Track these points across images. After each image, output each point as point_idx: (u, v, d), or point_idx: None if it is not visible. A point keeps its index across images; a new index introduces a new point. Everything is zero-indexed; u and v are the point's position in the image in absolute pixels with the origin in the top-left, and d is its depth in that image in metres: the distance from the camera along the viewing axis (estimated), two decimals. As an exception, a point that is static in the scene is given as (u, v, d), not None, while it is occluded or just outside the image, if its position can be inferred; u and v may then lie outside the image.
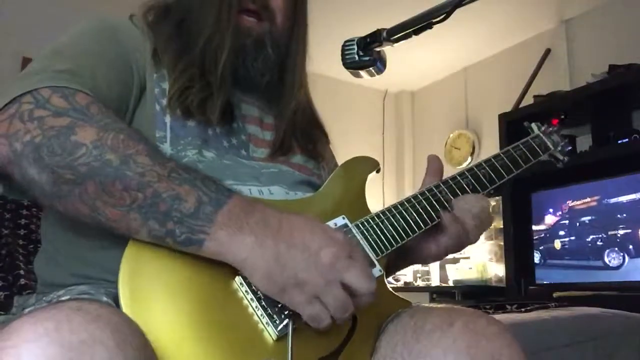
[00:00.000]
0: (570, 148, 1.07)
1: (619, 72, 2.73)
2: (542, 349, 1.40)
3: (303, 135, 0.90)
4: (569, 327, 1.54)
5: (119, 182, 0.59)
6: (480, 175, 0.90)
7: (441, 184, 0.86)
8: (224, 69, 0.79)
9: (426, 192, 0.84)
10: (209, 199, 0.60)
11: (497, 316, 1.54)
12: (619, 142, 2.67)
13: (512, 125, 3.13)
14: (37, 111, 0.61)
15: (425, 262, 0.88)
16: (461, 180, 0.88)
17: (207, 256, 0.61)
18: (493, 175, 0.91)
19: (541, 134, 1.02)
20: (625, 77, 2.69)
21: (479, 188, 0.89)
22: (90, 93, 0.65)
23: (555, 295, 2.61)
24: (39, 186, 0.60)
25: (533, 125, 1.05)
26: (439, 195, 0.84)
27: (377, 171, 0.89)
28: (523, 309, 1.74)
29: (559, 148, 1.04)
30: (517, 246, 3.04)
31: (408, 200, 0.83)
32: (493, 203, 3.55)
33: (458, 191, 0.87)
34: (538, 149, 0.99)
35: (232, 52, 0.79)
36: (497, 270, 3.52)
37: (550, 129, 1.05)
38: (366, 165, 0.88)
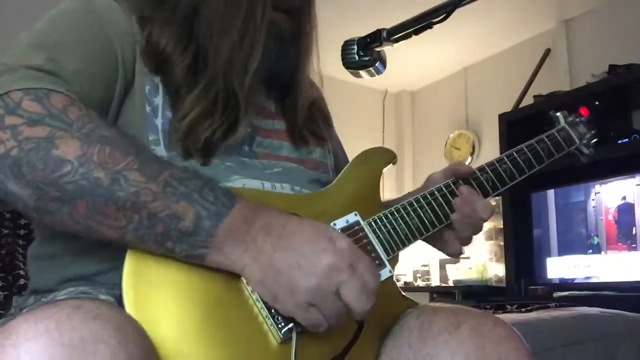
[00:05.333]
0: (596, 140, 0.99)
1: (619, 72, 2.73)
2: (542, 349, 1.40)
3: (306, 118, 0.85)
4: (569, 327, 1.54)
5: (112, 203, 0.55)
6: (501, 171, 0.86)
7: (459, 180, 0.83)
8: (251, 84, 0.72)
9: (443, 188, 0.82)
10: (208, 213, 0.57)
11: (497, 316, 1.53)
12: (619, 142, 2.66)
13: (512, 125, 3.12)
14: (9, 118, 0.55)
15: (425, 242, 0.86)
16: (480, 176, 0.85)
17: (209, 265, 0.60)
18: (514, 171, 0.87)
19: (567, 126, 0.96)
20: (625, 77, 2.68)
21: (498, 185, 0.85)
22: (67, 92, 0.60)
23: (555, 295, 2.61)
24: (20, 200, 0.56)
25: (559, 114, 0.99)
26: (456, 192, 0.82)
27: (394, 163, 0.85)
28: (523, 309, 1.74)
29: (584, 141, 0.98)
30: (517, 246, 3.04)
31: (424, 197, 0.80)
32: (493, 203, 3.54)
33: (477, 188, 0.84)
34: (563, 143, 0.94)
35: (261, 55, 0.72)
36: (497, 270, 3.52)
37: (578, 119, 0.99)
38: (382, 156, 0.85)
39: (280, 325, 0.61)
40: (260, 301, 0.61)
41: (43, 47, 0.63)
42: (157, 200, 0.56)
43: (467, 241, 0.83)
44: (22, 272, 1.39)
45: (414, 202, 0.79)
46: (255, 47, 0.72)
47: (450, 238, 0.82)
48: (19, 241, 1.49)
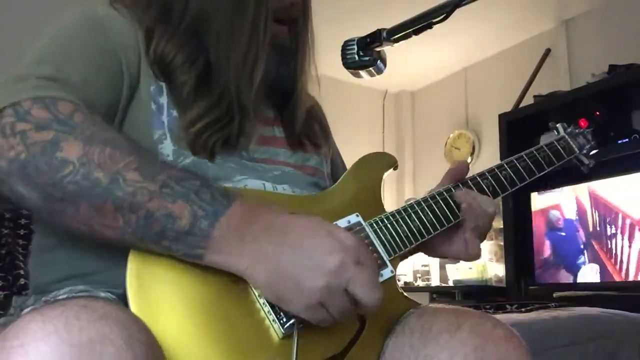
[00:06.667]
0: (597, 151, 1.02)
1: (619, 72, 2.73)
2: (542, 349, 1.40)
3: (304, 126, 0.87)
4: (569, 327, 1.54)
5: (110, 203, 0.57)
6: (501, 177, 0.88)
7: (460, 185, 0.85)
8: (257, 93, 0.75)
9: (444, 192, 0.84)
10: (205, 212, 0.58)
11: (497, 316, 1.54)
12: (619, 142, 2.66)
13: (512, 125, 3.13)
14: (19, 125, 0.58)
15: (435, 256, 0.88)
16: (481, 182, 0.87)
17: (208, 265, 0.60)
18: (514, 177, 0.89)
19: (566, 136, 0.99)
20: (625, 77, 2.68)
21: (499, 190, 0.87)
22: (75, 99, 0.62)
23: (555, 295, 2.61)
24: (30, 202, 0.59)
25: (559, 126, 1.02)
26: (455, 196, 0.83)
27: (395, 168, 0.87)
28: (523, 309, 1.74)
29: (584, 151, 1.01)
30: (517, 246, 3.04)
31: (425, 200, 0.82)
32: (493, 203, 3.54)
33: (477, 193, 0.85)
34: (562, 152, 0.97)
35: (264, 66, 0.76)
36: (497, 270, 3.52)
37: (577, 130, 1.02)
38: (383, 162, 0.87)
39: (282, 321, 0.62)
40: (263, 296, 0.62)
41: (51, 57, 0.67)
42: (154, 200, 0.57)
43: (478, 236, 0.83)
44: (22, 272, 1.40)
45: (415, 205, 0.81)
46: (259, 59, 0.75)
47: (458, 238, 0.83)
48: (19, 241, 1.49)
